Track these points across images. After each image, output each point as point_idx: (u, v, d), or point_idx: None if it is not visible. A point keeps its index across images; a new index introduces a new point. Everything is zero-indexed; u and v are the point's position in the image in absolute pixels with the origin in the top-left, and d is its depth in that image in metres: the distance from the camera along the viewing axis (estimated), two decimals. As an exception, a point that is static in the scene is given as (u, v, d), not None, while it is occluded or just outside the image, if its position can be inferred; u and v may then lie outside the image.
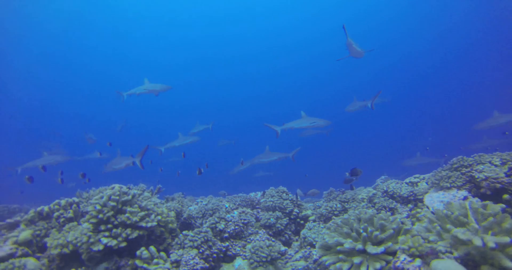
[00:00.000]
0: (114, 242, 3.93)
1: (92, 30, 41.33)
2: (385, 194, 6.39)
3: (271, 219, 5.57)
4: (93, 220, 4.02)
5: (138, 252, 4.10)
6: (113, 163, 8.63)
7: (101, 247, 3.76)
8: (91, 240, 3.79)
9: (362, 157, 31.10)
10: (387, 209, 5.71)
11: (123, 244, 4.00)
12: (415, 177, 6.76)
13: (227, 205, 6.42)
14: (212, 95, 52.78)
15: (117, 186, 6.36)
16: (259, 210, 6.13)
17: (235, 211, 5.97)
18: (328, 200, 7.32)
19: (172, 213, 5.13)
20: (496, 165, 5.14)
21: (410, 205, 5.87)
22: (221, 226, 5.03)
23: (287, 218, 5.75)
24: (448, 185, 5.16)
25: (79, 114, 47.69)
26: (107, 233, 3.99)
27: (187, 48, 48.16)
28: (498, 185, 4.54)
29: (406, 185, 6.40)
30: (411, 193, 6.03)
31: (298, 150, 10.15)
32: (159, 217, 4.67)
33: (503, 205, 2.90)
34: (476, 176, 4.94)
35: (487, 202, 3.06)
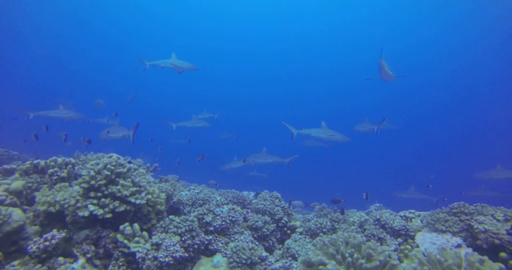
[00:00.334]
0: (100, 211, 3.86)
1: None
2: (377, 222, 6.24)
3: (259, 222, 5.46)
4: (85, 185, 3.96)
5: (121, 227, 4.03)
6: (110, 131, 8.61)
7: (86, 213, 3.69)
8: (78, 204, 3.73)
9: (357, 178, 30.71)
10: (376, 238, 5.56)
11: (108, 215, 3.93)
12: (410, 212, 6.59)
13: (218, 198, 6.33)
14: (228, 89, 52.73)
15: (115, 155, 6.31)
16: (249, 210, 6.02)
17: (225, 207, 5.87)
18: (319, 215, 7.19)
19: (163, 195, 5.05)
20: (498, 220, 4.95)
21: (400, 239, 5.71)
22: (208, 218, 4.94)
23: (275, 224, 5.63)
24: (444, 229, 4.99)
25: (93, 80, 48.02)
26: (95, 201, 3.93)
27: (216, 39, 47.99)
28: (496, 241, 4.36)
29: (399, 218, 6.24)
30: (403, 228, 5.87)
31: (296, 157, 9.99)
32: (149, 196, 4.60)
33: (502, 265, 2.74)
34: (475, 227, 4.76)
35: (485, 257, 2.91)
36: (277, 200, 5.99)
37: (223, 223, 4.95)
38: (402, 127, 16.87)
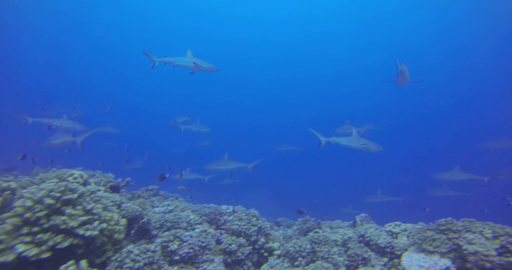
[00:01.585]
0: (34, 251, 3.13)
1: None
2: (361, 238, 5.70)
3: (233, 245, 4.82)
4: (15, 220, 3.22)
5: (62, 267, 3.29)
6: (51, 138, 8.07)
7: (11, 257, 2.95)
8: (1, 246, 2.98)
9: (330, 184, 28.59)
10: (360, 258, 5.01)
11: (46, 255, 3.21)
12: (396, 225, 6.09)
13: (191, 217, 5.65)
14: (212, 92, 51.16)
15: (77, 173, 5.54)
16: (223, 231, 5.36)
17: (197, 228, 5.21)
18: (302, 230, 6.63)
19: (123, 221, 4.34)
20: (487, 238, 4.49)
21: (385, 259, 5.18)
22: (174, 246, 4.26)
23: (251, 247, 5.01)
24: (431, 249, 4.48)
25: (88, 83, 45.94)
26: (28, 239, 3.19)
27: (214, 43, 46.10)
28: (487, 265, 3.87)
29: (385, 233, 5.72)
30: (389, 245, 5.35)
31: (260, 162, 9.35)
32: (104, 224, 3.88)
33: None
34: (464, 247, 4.27)
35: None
36: (254, 219, 5.37)
37: (191, 250, 4.28)
38: (384, 128, 16.37)
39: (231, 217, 5.60)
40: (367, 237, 5.62)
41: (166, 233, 4.52)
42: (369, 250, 5.30)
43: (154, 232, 4.85)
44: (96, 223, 3.79)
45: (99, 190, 4.88)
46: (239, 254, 4.74)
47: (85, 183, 5.32)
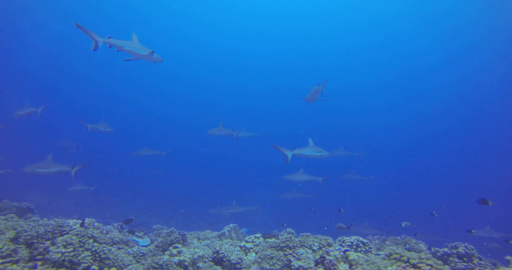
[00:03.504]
0: None
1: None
2: (215, 255, 5.51)
3: (49, 279, 3.78)
4: None
5: None
6: None
7: None
8: None
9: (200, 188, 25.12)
10: (206, 278, 4.76)
11: None
12: (256, 237, 6.18)
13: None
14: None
15: None
16: (40, 263, 4.21)
17: None
18: (165, 243, 6.02)
19: None
20: (314, 250, 4.94)
21: (232, 276, 5.11)
22: None
23: (78, 277, 4.06)
24: (268, 267, 4.60)
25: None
26: None
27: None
28: (304, 280, 4.16)
29: (239, 249, 5.71)
30: (239, 261, 5.32)
31: (86, 164, 8.43)
32: None
33: None
34: (292, 264, 4.53)
35: None
36: (90, 241, 4.43)
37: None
38: (262, 135, 15.18)
39: (59, 239, 4.49)
40: (221, 253, 5.47)
41: None
42: (219, 268, 5.14)
43: None
44: None
45: None
46: (53, 290, 3.75)
47: None
